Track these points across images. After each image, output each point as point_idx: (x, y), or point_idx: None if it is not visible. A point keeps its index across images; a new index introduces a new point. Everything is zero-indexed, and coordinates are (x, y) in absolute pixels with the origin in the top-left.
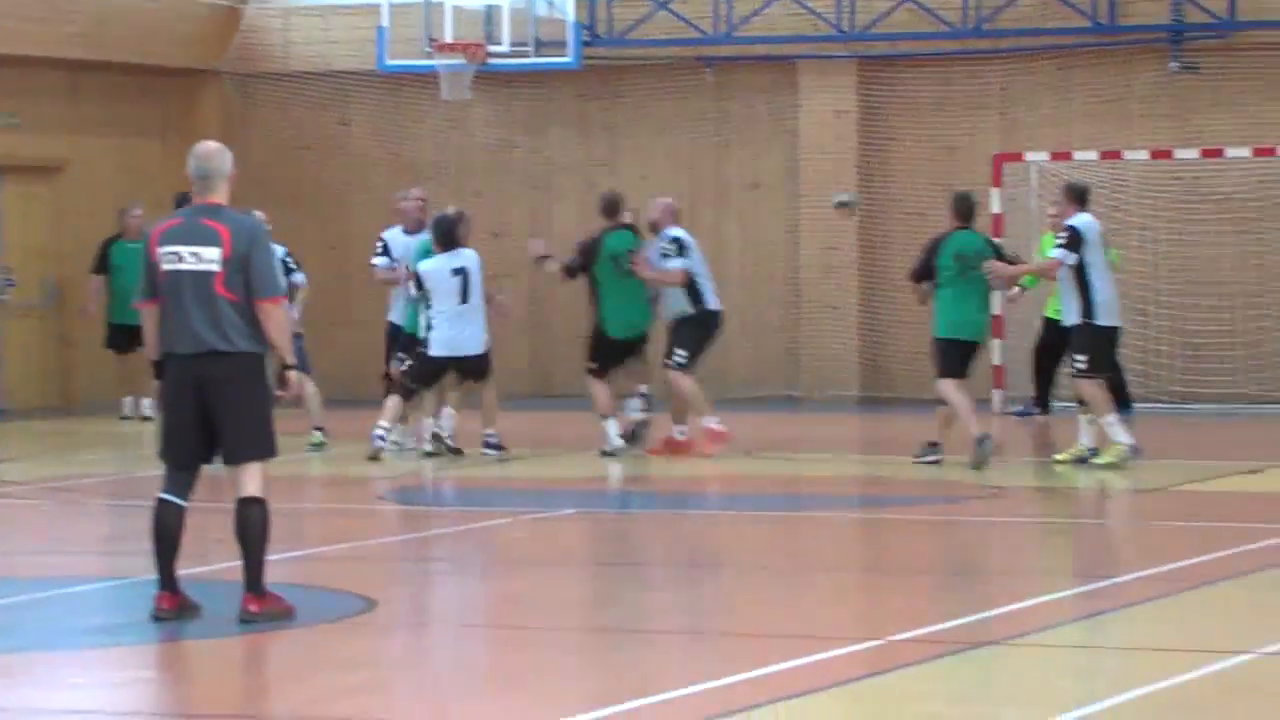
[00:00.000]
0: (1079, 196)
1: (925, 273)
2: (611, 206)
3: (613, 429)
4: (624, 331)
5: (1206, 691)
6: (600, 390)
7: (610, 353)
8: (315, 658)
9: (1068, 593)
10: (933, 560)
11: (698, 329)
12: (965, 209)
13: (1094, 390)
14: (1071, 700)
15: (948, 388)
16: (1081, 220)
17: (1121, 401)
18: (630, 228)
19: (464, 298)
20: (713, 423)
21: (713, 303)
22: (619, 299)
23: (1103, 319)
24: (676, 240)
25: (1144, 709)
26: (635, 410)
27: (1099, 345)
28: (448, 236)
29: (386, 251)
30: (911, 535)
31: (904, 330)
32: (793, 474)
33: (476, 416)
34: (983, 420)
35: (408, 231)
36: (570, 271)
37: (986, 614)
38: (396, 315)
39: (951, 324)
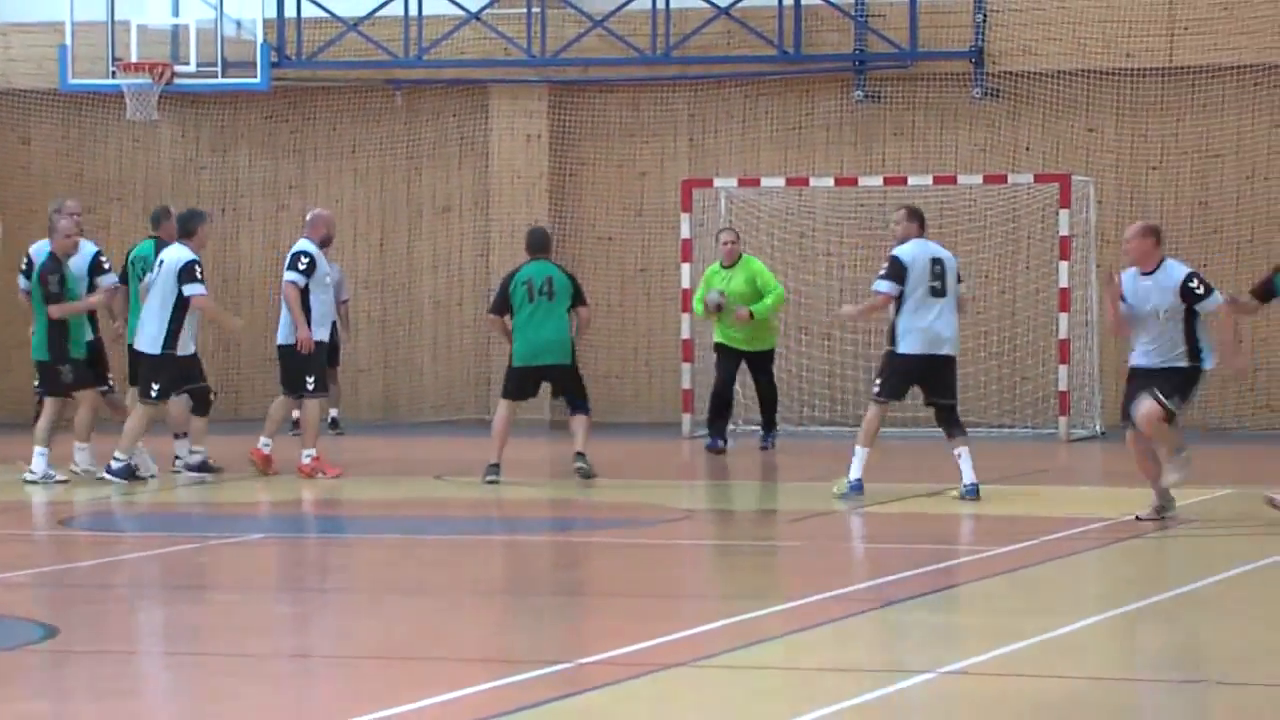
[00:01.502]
0: (918, 219)
1: (503, 306)
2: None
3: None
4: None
5: (892, 710)
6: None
7: None
8: None
9: (757, 614)
10: (623, 583)
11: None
12: (535, 242)
13: (871, 415)
14: None
15: (502, 408)
16: (906, 250)
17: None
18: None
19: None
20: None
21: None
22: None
23: (903, 347)
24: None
25: None
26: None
27: (894, 371)
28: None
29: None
30: (603, 558)
31: (594, 354)
32: (483, 498)
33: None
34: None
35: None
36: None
37: (676, 635)
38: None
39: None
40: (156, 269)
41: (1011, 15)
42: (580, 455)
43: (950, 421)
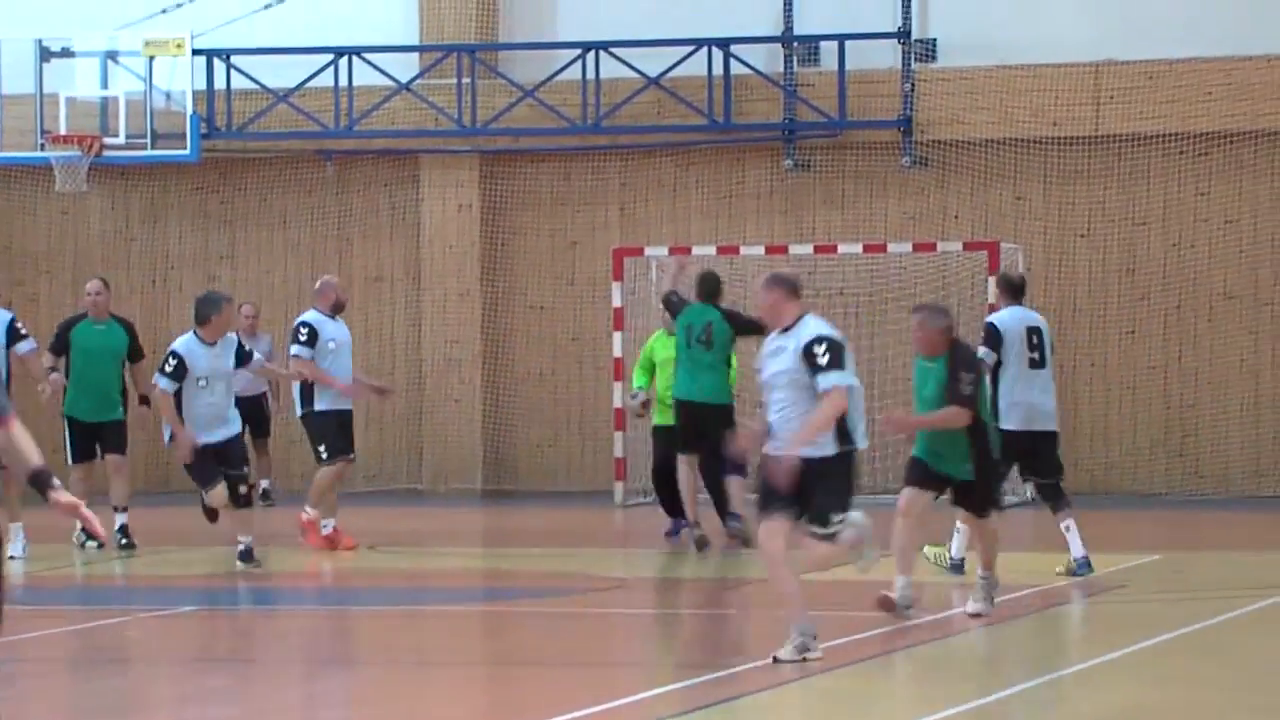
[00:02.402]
0: (1013, 289)
1: None
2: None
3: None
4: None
5: None
6: None
7: None
8: None
9: (686, 683)
10: (555, 652)
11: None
12: (704, 287)
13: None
14: None
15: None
16: (1002, 317)
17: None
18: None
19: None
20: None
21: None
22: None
23: (1006, 423)
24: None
25: None
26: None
27: (999, 447)
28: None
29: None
30: (534, 627)
31: (527, 422)
32: (416, 568)
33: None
34: None
35: None
36: None
37: (612, 704)
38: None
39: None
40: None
41: (939, 85)
42: (735, 516)
43: (1055, 495)
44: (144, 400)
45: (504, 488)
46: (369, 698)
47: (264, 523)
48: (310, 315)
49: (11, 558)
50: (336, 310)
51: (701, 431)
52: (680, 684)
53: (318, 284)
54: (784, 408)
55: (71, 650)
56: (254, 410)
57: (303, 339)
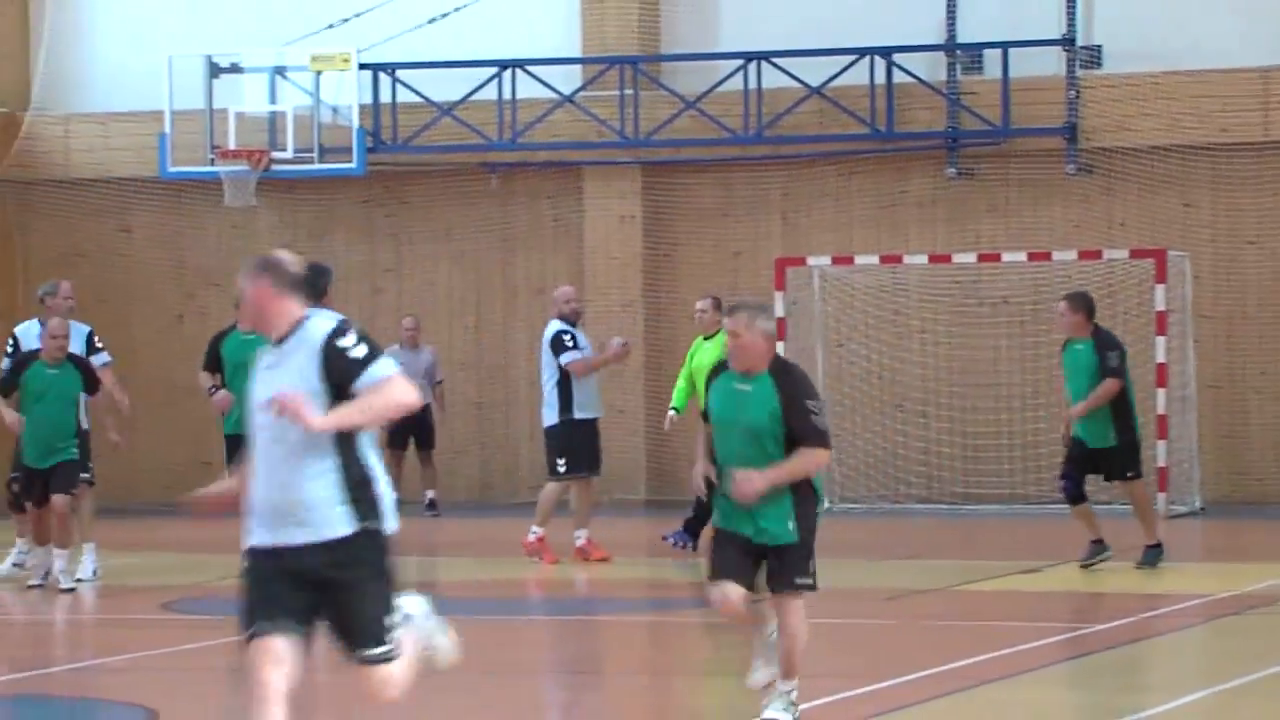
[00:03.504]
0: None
1: None
2: None
3: None
4: None
5: None
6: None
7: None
8: None
9: (850, 693)
10: (719, 661)
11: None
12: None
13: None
14: None
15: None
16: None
17: None
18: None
19: None
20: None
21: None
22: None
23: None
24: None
25: None
26: None
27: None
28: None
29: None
30: (698, 637)
31: (691, 432)
32: (587, 577)
33: None
34: None
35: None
36: None
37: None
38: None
39: None
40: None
41: (1105, 91)
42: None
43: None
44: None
45: (667, 497)
46: (537, 706)
47: (429, 534)
48: (562, 324)
49: (79, 580)
50: (574, 319)
51: None
52: (838, 695)
53: (556, 293)
54: None
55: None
56: (418, 421)
57: (569, 344)
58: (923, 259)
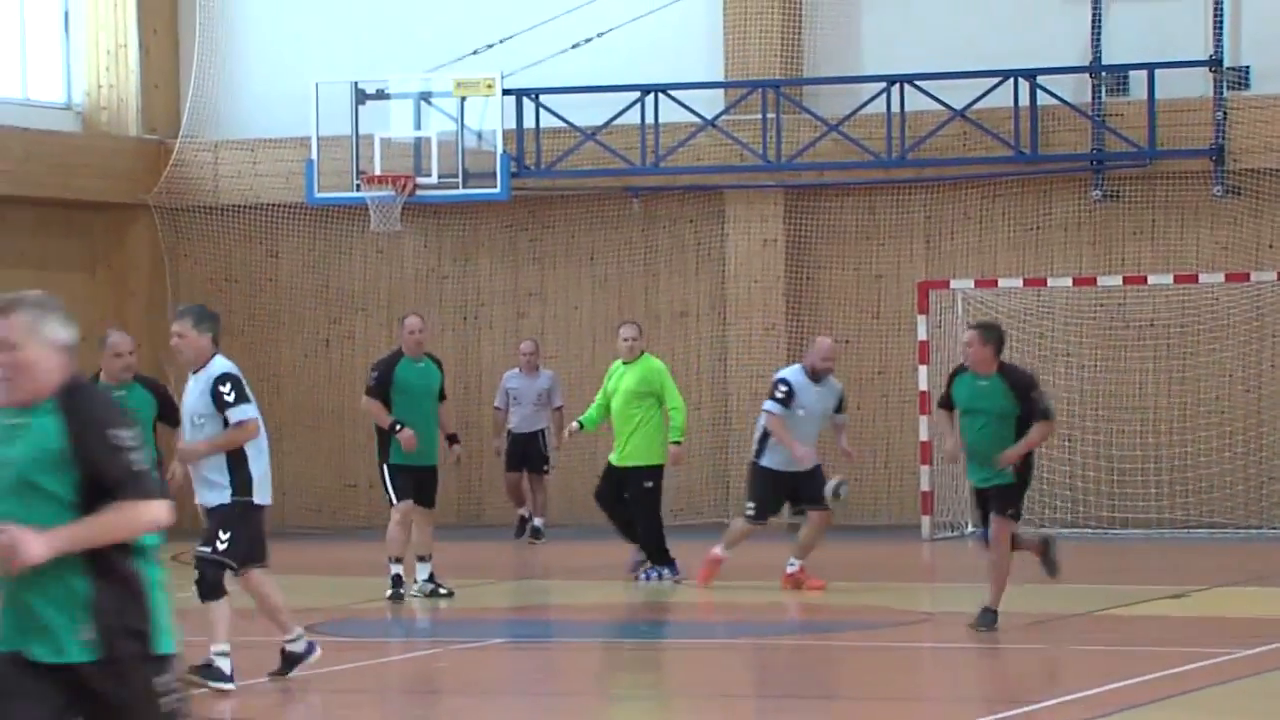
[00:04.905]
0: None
1: None
2: None
3: None
4: None
5: None
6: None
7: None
8: None
9: (998, 716)
10: (862, 685)
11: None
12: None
13: None
14: None
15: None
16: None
17: None
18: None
19: None
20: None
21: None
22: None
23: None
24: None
25: None
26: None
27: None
28: None
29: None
30: (842, 661)
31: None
32: (727, 601)
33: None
34: None
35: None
36: None
37: None
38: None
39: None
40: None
41: (1252, 112)
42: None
43: None
44: (453, 439)
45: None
46: None
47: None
48: (790, 373)
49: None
50: (817, 375)
51: None
52: (991, 718)
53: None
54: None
55: (388, 680)
56: (531, 446)
57: (780, 396)
58: (1067, 282)
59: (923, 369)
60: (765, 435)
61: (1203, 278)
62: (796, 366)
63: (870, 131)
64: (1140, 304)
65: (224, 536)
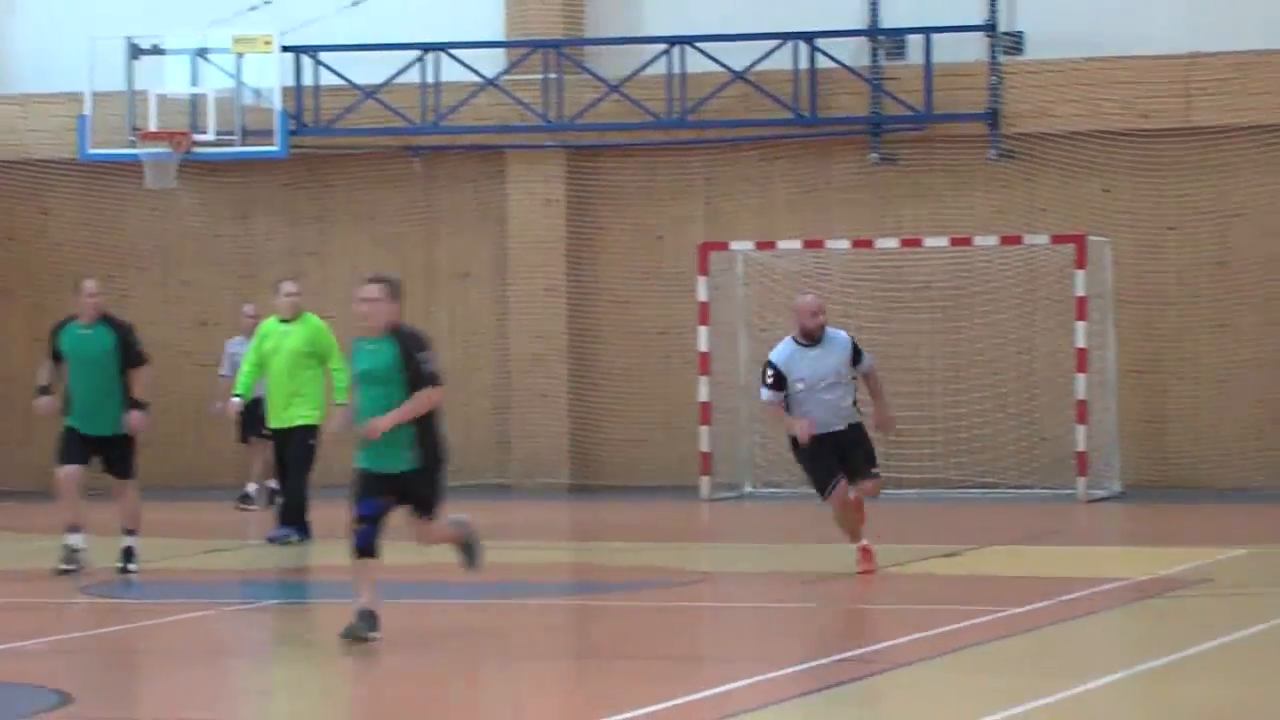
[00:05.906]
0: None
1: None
2: None
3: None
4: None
5: None
6: None
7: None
8: None
9: (770, 675)
10: (640, 645)
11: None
12: None
13: None
14: None
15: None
16: None
17: None
18: None
19: None
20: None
21: None
22: None
23: None
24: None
25: None
26: None
27: None
28: None
29: None
30: (619, 621)
31: (614, 417)
32: (503, 562)
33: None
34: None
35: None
36: None
37: (693, 696)
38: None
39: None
40: None
41: (1026, 77)
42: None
43: None
44: (135, 404)
45: (590, 482)
46: (451, 690)
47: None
48: (778, 349)
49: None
50: (808, 337)
51: None
52: (762, 677)
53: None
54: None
55: (161, 642)
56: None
57: (768, 381)
58: (845, 244)
59: (703, 329)
60: (789, 410)
61: (977, 240)
62: (786, 339)
63: (651, 93)
64: (916, 266)
65: None
